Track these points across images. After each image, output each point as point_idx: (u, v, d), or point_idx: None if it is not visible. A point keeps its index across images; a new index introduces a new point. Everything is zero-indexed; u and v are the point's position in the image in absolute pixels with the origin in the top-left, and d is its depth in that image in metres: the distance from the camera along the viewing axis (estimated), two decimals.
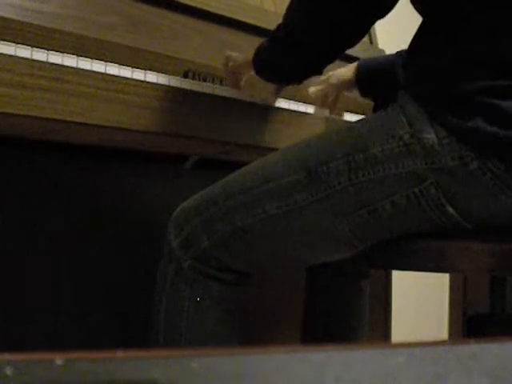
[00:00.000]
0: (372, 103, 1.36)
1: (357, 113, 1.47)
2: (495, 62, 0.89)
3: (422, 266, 1.00)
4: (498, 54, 0.89)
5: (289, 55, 1.06)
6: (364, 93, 1.33)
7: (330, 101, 1.35)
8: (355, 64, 1.32)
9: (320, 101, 1.34)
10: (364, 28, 1.01)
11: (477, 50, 0.90)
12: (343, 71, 1.32)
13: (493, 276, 1.18)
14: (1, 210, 1.22)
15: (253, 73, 1.17)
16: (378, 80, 1.28)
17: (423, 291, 2.42)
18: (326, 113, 1.38)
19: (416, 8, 0.99)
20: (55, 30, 1.00)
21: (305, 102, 1.36)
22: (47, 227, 1.29)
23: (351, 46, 1.04)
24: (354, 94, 1.38)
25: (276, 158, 1.02)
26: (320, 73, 1.12)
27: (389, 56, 1.30)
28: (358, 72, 1.30)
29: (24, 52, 0.95)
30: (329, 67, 1.11)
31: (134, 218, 1.42)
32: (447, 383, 0.35)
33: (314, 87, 1.33)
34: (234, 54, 1.22)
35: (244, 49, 1.12)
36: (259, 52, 1.13)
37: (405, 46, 1.05)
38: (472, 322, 1.20)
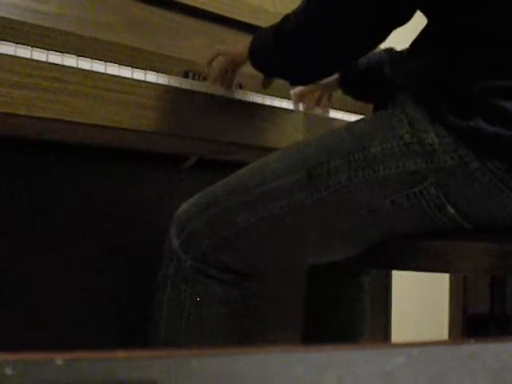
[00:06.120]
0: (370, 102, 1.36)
1: (357, 113, 1.47)
2: (497, 63, 0.89)
3: (422, 266, 1.00)
4: (500, 55, 0.89)
5: (300, 55, 1.02)
6: (346, 91, 1.32)
7: (315, 100, 1.34)
8: None
9: (298, 98, 1.33)
10: (381, 37, 0.99)
11: (479, 51, 0.90)
12: None
13: (493, 276, 1.18)
14: (0, 209, 1.22)
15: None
16: (361, 78, 1.27)
17: (423, 291, 2.42)
18: (312, 111, 1.37)
19: (420, 9, 0.99)
20: (55, 30, 1.00)
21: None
22: (47, 227, 1.29)
23: (363, 54, 1.03)
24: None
25: (276, 158, 1.02)
26: (321, 78, 1.10)
27: (369, 55, 1.28)
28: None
29: (24, 52, 0.95)
30: None
31: (134, 217, 1.42)
32: (447, 383, 0.35)
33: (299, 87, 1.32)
34: (223, 48, 1.18)
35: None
36: (260, 47, 1.09)
37: (404, 46, 1.05)
38: (472, 321, 1.20)
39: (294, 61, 1.04)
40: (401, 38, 1.02)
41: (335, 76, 1.30)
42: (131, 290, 1.39)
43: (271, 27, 1.07)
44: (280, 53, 1.05)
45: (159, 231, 1.11)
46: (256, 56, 1.12)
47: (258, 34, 1.12)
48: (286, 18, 1.04)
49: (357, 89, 1.29)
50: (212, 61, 1.19)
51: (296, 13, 1.02)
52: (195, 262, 1.03)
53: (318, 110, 1.38)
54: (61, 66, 0.98)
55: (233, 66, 1.18)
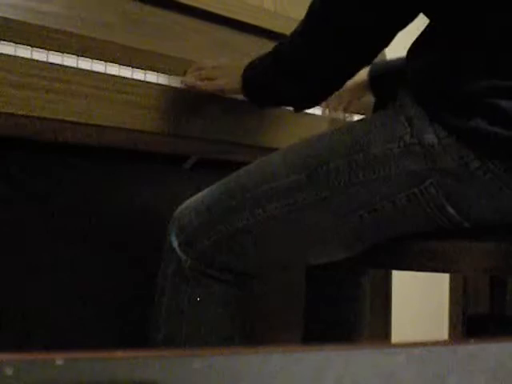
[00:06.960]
0: (372, 103, 1.36)
1: (357, 113, 1.47)
2: (496, 63, 0.89)
3: (422, 266, 1.00)
4: (499, 55, 0.89)
5: (306, 69, 1.01)
6: (378, 94, 1.31)
7: (343, 105, 1.34)
8: (367, 68, 1.29)
9: (333, 104, 1.34)
10: (385, 40, 0.98)
11: (479, 51, 0.90)
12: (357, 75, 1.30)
13: (493, 276, 1.18)
14: (1, 209, 1.22)
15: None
16: (391, 81, 1.26)
17: (423, 291, 2.42)
18: (336, 115, 1.37)
19: (422, 10, 0.98)
20: (55, 30, 1.00)
21: None
22: (47, 227, 1.29)
23: (368, 60, 1.03)
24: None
25: (276, 158, 1.02)
26: (325, 99, 1.09)
27: (399, 58, 1.27)
28: (371, 74, 1.28)
29: (24, 52, 0.95)
30: None
31: (134, 217, 1.42)
32: (447, 383, 0.35)
33: None
34: (210, 72, 1.14)
35: (243, 49, 1.12)
36: (254, 76, 1.08)
37: (404, 46, 1.05)
38: (472, 321, 1.21)
39: (300, 78, 1.02)
40: (400, 38, 1.02)
41: (360, 80, 1.29)
42: (131, 289, 1.39)
43: (265, 54, 1.06)
44: (284, 74, 1.03)
45: (159, 231, 1.11)
46: (253, 86, 1.09)
47: (251, 64, 1.09)
48: (281, 43, 1.03)
49: (385, 91, 1.27)
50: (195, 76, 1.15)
51: (294, 32, 1.01)
52: (195, 262, 1.03)
53: (340, 114, 1.38)
54: (61, 65, 0.98)
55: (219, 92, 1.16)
